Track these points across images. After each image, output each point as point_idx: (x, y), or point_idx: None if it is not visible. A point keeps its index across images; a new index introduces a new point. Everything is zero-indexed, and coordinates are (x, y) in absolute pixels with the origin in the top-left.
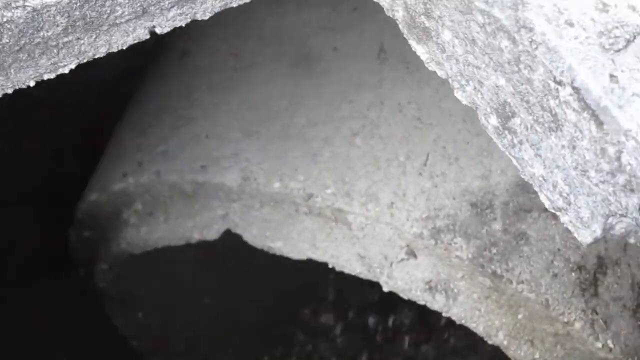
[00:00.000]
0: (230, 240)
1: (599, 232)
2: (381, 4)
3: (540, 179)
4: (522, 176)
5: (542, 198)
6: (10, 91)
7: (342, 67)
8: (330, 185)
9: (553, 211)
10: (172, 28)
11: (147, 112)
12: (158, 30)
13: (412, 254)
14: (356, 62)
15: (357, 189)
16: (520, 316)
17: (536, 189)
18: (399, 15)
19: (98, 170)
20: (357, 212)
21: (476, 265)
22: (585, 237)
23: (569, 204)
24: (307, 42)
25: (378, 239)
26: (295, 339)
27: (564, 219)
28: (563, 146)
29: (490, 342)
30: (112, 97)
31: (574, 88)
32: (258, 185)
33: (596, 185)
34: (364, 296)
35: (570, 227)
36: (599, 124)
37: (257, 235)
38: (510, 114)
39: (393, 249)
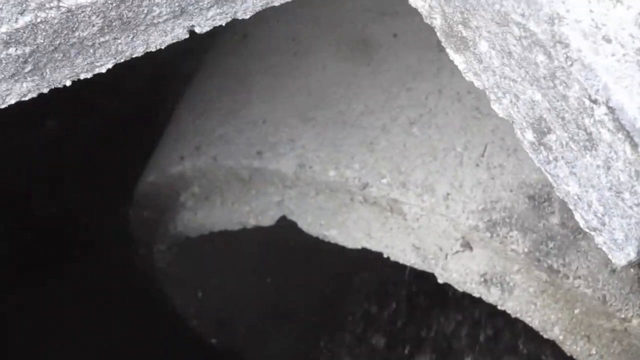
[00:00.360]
0: (286, 226)
1: (633, 255)
2: (419, 10)
3: (575, 197)
4: (557, 193)
5: (577, 217)
6: (46, 91)
7: (401, 54)
8: (386, 174)
9: (587, 231)
10: (212, 27)
11: (206, 94)
12: (197, 30)
13: (467, 246)
14: (415, 49)
15: (413, 179)
16: (576, 311)
17: (571, 207)
18: (437, 23)
19: (157, 152)
20: (412, 203)
21: (532, 259)
22: (619, 259)
23: (603, 224)
24: (367, 27)
25: (433, 230)
26: (351, 323)
27: (598, 239)
28: (598, 166)
29: (545, 336)
30: (173, 76)
31: (608, 107)
32: (313, 173)
33: (630, 207)
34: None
35: (604, 249)
36: (634, 145)
37: (312, 223)
38: (545, 129)
39: (448, 240)
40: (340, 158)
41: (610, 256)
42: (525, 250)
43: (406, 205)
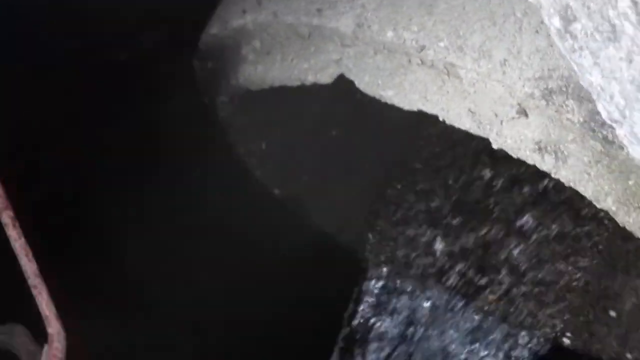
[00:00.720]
0: (343, 85)
1: None
2: None
3: (598, 88)
4: (581, 83)
5: (600, 108)
6: None
7: None
8: (444, 38)
9: (609, 122)
10: None
11: None
12: None
13: (523, 113)
14: None
15: (471, 44)
16: (631, 182)
17: (594, 97)
18: None
19: (221, 4)
20: (469, 68)
21: (587, 129)
22: (638, 153)
23: (624, 117)
24: None
25: (489, 95)
26: (419, 177)
27: (619, 132)
28: (621, 58)
29: (599, 206)
30: None
31: (632, 1)
32: (372, 33)
33: None
34: None
35: (624, 142)
36: None
37: (369, 83)
38: (572, 17)
39: (504, 107)
40: (398, 19)
41: (630, 150)
42: (581, 120)
43: (463, 69)
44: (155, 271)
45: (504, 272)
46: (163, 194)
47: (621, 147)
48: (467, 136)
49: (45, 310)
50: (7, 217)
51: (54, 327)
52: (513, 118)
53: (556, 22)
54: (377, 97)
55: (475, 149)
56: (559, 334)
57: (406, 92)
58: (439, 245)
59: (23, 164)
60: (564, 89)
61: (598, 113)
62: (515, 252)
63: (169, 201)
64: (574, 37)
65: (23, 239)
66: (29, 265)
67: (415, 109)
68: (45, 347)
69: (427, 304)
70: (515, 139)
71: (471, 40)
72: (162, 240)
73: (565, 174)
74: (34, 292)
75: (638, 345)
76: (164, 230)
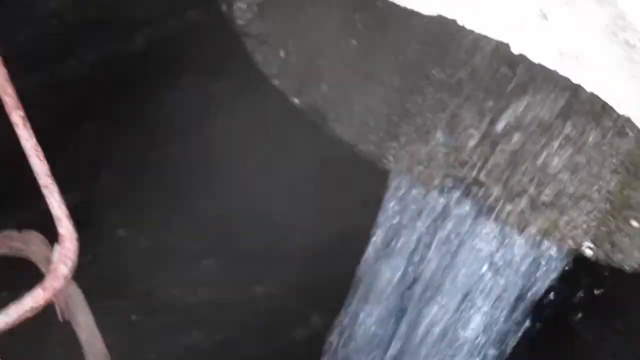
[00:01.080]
0: None
1: None
2: None
3: None
4: None
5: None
6: None
7: None
8: None
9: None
10: None
11: None
12: None
13: (544, 17)
14: None
15: None
16: None
17: None
18: None
19: None
20: None
21: (609, 33)
22: None
23: None
24: None
25: None
26: (436, 88)
27: None
28: None
29: (621, 113)
30: None
31: None
32: None
33: None
34: None
35: None
36: None
37: None
38: None
39: (525, 10)
40: None
41: None
42: (603, 23)
43: None
44: (173, 178)
45: (526, 180)
46: (180, 104)
47: None
48: (487, 43)
49: (56, 211)
50: (18, 117)
51: (65, 227)
52: (534, 22)
53: None
54: (396, 1)
55: (495, 57)
56: (580, 243)
57: None
58: (461, 155)
59: None
60: None
61: (621, 17)
62: (538, 161)
63: (186, 110)
64: None
65: (34, 139)
66: (39, 166)
67: (434, 13)
68: (57, 248)
69: (448, 213)
70: (536, 43)
71: None
72: (178, 149)
73: (587, 79)
74: (45, 192)
75: None
76: (181, 139)
